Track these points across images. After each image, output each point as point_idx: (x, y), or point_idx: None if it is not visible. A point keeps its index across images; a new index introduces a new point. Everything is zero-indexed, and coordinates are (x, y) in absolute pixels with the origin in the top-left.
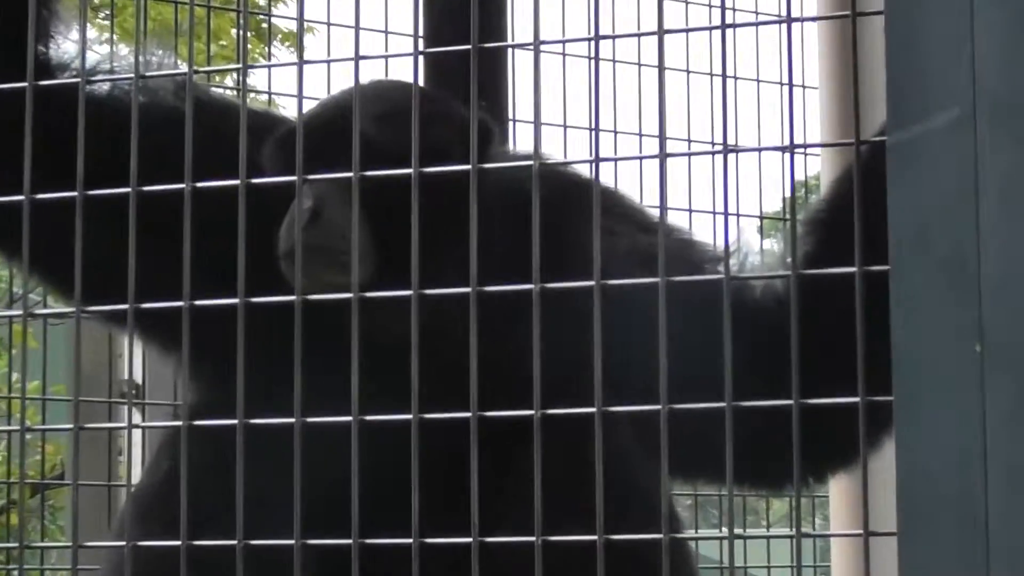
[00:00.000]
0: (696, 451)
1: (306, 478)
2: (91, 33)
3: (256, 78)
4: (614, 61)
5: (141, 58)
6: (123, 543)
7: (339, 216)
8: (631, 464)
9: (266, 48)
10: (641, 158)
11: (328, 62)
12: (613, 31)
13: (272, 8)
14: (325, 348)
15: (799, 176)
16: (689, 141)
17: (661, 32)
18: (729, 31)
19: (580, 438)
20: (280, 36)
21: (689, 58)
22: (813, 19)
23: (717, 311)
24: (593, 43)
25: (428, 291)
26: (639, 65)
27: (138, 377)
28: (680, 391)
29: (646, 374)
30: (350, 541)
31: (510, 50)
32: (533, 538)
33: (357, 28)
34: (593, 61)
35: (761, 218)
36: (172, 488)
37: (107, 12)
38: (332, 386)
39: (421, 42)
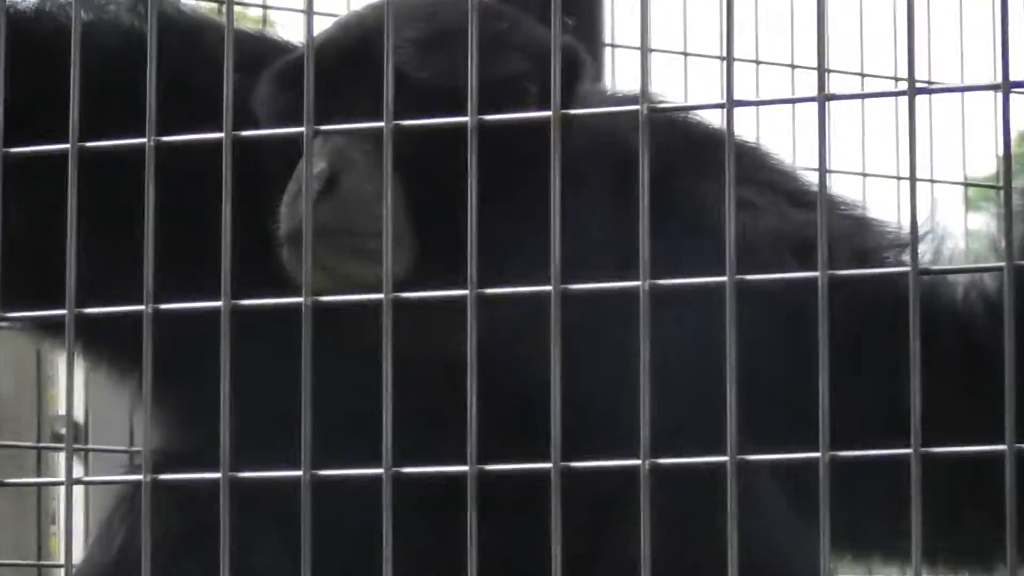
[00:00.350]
0: (869, 516)
1: (315, 547)
2: None
3: None
4: None
5: None
6: None
7: (364, 184)
8: (775, 534)
9: None
10: (793, 101)
11: None
12: None
13: None
14: (342, 368)
15: (1018, 127)
16: (862, 76)
17: None
18: None
19: (699, 496)
20: None
21: None
22: None
23: (901, 317)
24: None
25: (491, 290)
26: None
27: (79, 413)
28: (843, 430)
29: (795, 404)
30: None
31: None
32: None
33: None
34: None
35: (965, 186)
36: (129, 567)
37: None
38: (351, 421)
39: None
